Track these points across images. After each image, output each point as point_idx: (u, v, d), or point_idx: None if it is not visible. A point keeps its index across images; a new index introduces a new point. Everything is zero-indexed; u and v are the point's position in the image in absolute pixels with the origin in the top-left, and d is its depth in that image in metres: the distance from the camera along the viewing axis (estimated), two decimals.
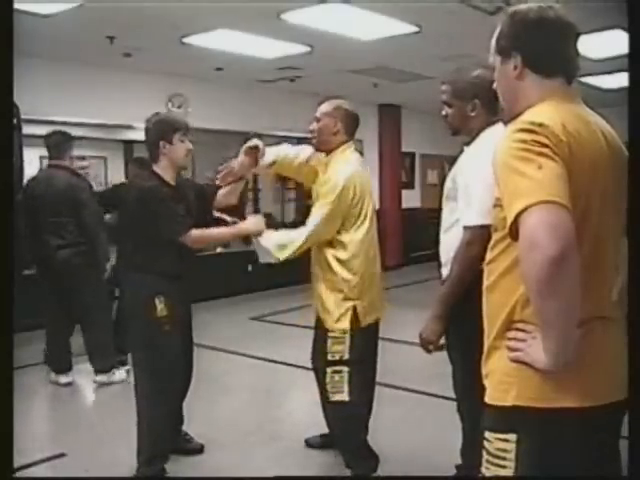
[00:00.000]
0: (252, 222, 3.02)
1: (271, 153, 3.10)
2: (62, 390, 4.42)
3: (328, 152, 2.96)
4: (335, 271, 2.86)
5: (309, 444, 3.38)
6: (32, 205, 4.41)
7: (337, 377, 2.88)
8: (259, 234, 2.93)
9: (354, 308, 2.84)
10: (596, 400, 1.40)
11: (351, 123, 2.96)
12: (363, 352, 2.90)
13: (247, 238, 3.04)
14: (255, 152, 3.06)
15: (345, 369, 2.86)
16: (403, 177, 10.80)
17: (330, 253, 2.88)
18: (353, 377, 2.87)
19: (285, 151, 3.14)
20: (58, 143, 4.48)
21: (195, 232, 2.93)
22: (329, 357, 2.89)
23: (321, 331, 2.98)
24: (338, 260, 2.86)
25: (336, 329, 2.86)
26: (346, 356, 2.85)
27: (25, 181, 4.80)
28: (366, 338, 2.91)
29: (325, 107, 2.96)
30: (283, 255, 2.85)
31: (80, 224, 4.35)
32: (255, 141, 3.10)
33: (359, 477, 2.95)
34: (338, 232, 2.85)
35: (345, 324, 2.84)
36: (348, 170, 2.84)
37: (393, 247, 10.11)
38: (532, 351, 1.37)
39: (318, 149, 3.01)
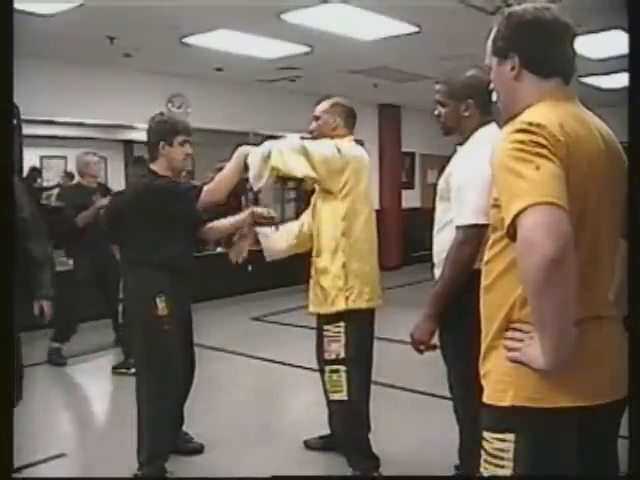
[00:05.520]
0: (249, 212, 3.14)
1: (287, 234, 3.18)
2: (62, 390, 4.42)
3: None
4: (321, 259, 2.89)
5: (308, 446, 3.37)
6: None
7: (335, 376, 2.87)
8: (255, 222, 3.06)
9: (337, 295, 2.84)
10: (593, 399, 1.40)
11: (349, 117, 3.05)
12: (359, 350, 2.90)
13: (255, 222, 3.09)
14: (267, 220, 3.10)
15: (342, 368, 2.86)
16: (403, 177, 10.80)
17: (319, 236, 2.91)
18: (351, 375, 2.86)
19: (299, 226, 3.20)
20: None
21: (207, 225, 3.10)
22: (326, 356, 2.90)
23: (318, 330, 3.00)
24: (324, 246, 2.89)
25: (327, 314, 2.86)
26: (342, 354, 2.85)
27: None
28: (361, 336, 2.92)
29: (323, 105, 3.04)
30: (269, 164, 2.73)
31: None
32: (271, 212, 3.12)
33: (359, 477, 2.95)
34: (323, 200, 2.88)
35: (339, 306, 2.83)
36: (346, 150, 2.87)
37: (393, 247, 10.10)
38: (529, 351, 1.37)
39: None
